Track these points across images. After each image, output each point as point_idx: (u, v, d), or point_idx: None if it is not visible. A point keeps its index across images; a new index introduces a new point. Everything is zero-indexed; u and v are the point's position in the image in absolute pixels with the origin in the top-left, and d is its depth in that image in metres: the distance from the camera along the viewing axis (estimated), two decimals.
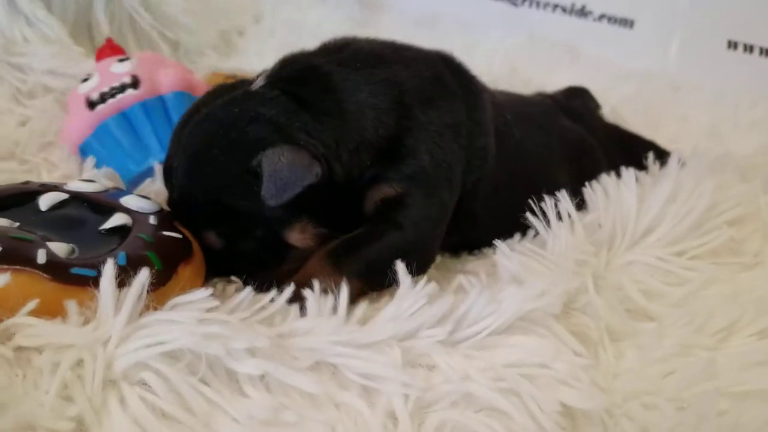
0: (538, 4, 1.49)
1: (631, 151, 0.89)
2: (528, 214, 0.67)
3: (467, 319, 0.54)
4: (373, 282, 0.60)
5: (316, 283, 0.55)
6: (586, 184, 0.74)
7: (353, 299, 0.56)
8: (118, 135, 0.78)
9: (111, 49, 0.88)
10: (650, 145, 0.93)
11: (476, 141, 0.70)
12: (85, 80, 0.83)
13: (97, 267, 0.53)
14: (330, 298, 0.54)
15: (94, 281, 0.52)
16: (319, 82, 0.64)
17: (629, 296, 0.63)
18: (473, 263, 0.70)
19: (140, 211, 0.63)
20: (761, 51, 1.34)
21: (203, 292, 0.52)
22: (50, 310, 0.51)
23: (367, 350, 0.51)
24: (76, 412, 0.44)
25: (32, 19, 0.98)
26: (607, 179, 0.74)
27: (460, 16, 1.50)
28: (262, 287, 0.59)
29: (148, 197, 0.67)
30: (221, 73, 1.07)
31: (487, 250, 0.73)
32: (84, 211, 0.63)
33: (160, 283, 0.55)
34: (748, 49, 1.35)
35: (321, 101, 0.63)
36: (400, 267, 0.56)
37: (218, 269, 0.62)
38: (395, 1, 1.59)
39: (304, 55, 0.68)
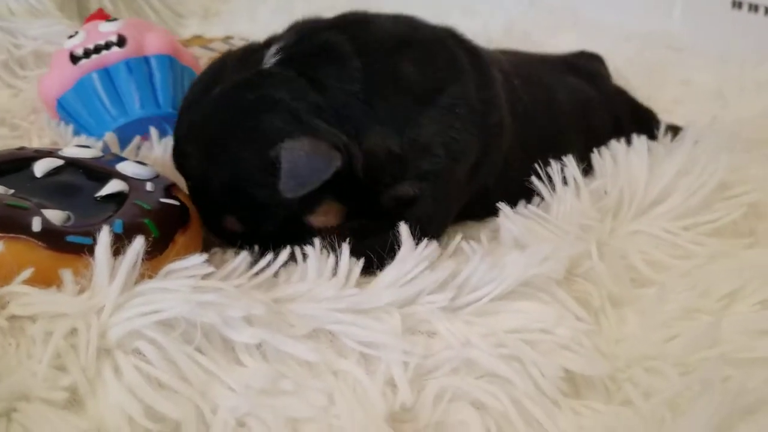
0: None
1: (641, 120, 0.88)
2: (533, 179, 0.66)
3: (469, 285, 0.53)
4: (370, 267, 0.57)
5: (316, 241, 0.55)
6: (594, 149, 0.72)
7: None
8: (99, 90, 0.78)
9: (101, 17, 0.88)
10: (659, 119, 0.91)
11: (489, 118, 0.67)
12: (71, 37, 0.83)
13: (93, 235, 0.52)
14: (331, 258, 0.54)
15: (90, 249, 0.51)
16: (338, 66, 0.61)
17: (633, 265, 0.62)
18: (474, 228, 0.68)
19: (137, 177, 0.62)
20: (767, 10, 1.32)
21: (198, 259, 0.51)
22: (45, 279, 0.50)
23: (366, 317, 0.50)
24: (69, 382, 0.44)
25: None
26: (617, 145, 0.72)
27: None
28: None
29: (145, 163, 0.65)
30: (204, 38, 1.06)
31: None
32: (80, 178, 0.62)
33: (157, 252, 0.54)
34: (753, 8, 1.33)
35: (340, 87, 0.60)
36: (403, 228, 0.55)
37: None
38: None
39: (321, 28, 0.64)
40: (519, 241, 0.60)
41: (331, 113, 0.59)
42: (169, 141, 0.73)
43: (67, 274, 0.50)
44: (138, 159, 0.71)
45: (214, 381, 0.46)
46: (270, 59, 0.62)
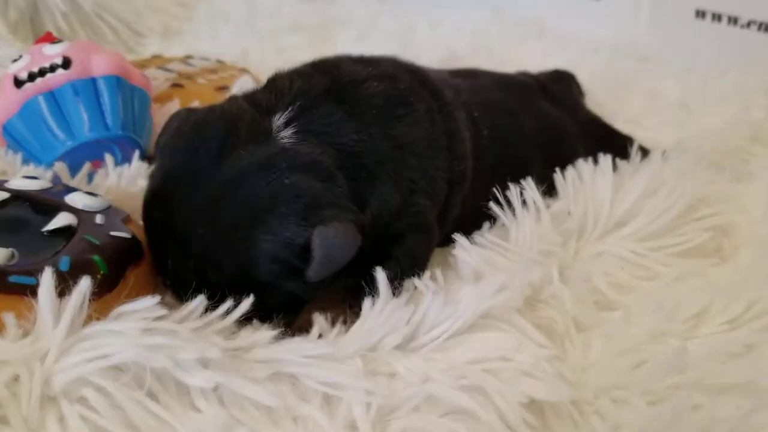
0: None
1: (612, 143, 0.86)
2: (491, 204, 0.65)
3: (425, 324, 0.52)
4: (356, 302, 0.56)
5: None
6: (557, 170, 0.72)
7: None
8: (45, 113, 0.74)
9: (49, 39, 0.85)
10: (631, 141, 0.91)
11: (456, 151, 0.67)
12: (15, 61, 0.80)
13: (37, 274, 0.50)
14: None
15: (33, 290, 0.48)
16: (347, 138, 0.59)
17: (597, 288, 0.61)
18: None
19: (86, 209, 0.60)
20: (729, 20, 1.33)
21: (150, 300, 0.49)
22: None
23: (330, 360, 0.49)
24: None
25: None
26: (581, 165, 0.72)
27: None
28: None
29: (95, 194, 0.63)
30: (163, 58, 1.04)
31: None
32: (26, 211, 0.59)
33: (106, 290, 0.52)
34: (717, 18, 1.34)
35: (353, 163, 0.59)
36: (381, 277, 0.54)
37: None
38: None
39: (317, 100, 0.61)
40: (477, 271, 0.59)
41: (347, 188, 0.57)
42: (123, 169, 0.71)
43: (9, 318, 0.47)
44: (90, 188, 0.68)
45: (165, 428, 0.44)
46: (285, 134, 0.58)
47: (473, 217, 0.68)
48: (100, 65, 0.76)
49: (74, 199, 0.60)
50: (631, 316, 0.58)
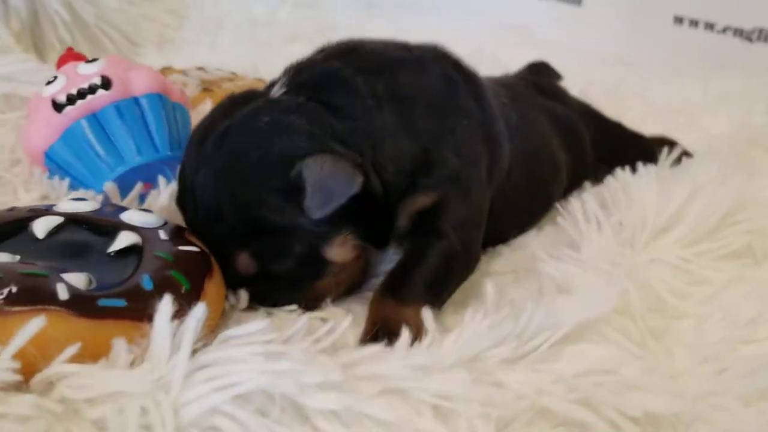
0: None
1: (611, 134, 0.91)
2: (559, 219, 0.66)
3: (525, 335, 0.53)
4: (436, 300, 0.58)
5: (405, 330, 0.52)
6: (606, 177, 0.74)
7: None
8: (90, 138, 0.71)
9: (73, 57, 0.81)
10: (621, 127, 0.95)
11: (491, 129, 0.69)
12: (50, 83, 0.76)
13: (125, 296, 0.49)
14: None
15: (121, 312, 0.48)
16: (343, 88, 0.61)
17: (660, 296, 0.63)
18: (498, 263, 0.68)
19: (146, 227, 0.59)
20: (706, 25, 1.38)
21: (260, 323, 0.48)
22: (82, 351, 0.46)
23: (434, 371, 0.49)
24: None
25: None
26: (623, 174, 0.74)
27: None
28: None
29: (149, 210, 0.62)
30: (173, 69, 1.02)
31: (501, 247, 0.73)
32: (85, 234, 0.58)
33: (189, 305, 0.50)
34: (694, 23, 1.38)
35: (350, 108, 0.60)
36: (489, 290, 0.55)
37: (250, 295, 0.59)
38: None
39: (314, 61, 0.65)
40: (560, 285, 0.60)
41: (346, 135, 0.59)
42: (174, 187, 0.70)
43: (119, 345, 0.46)
44: (141, 208, 0.67)
45: None
46: (277, 92, 0.62)
47: (518, 214, 0.70)
48: (139, 83, 0.74)
49: (131, 217, 0.60)
50: (701, 323, 0.60)
